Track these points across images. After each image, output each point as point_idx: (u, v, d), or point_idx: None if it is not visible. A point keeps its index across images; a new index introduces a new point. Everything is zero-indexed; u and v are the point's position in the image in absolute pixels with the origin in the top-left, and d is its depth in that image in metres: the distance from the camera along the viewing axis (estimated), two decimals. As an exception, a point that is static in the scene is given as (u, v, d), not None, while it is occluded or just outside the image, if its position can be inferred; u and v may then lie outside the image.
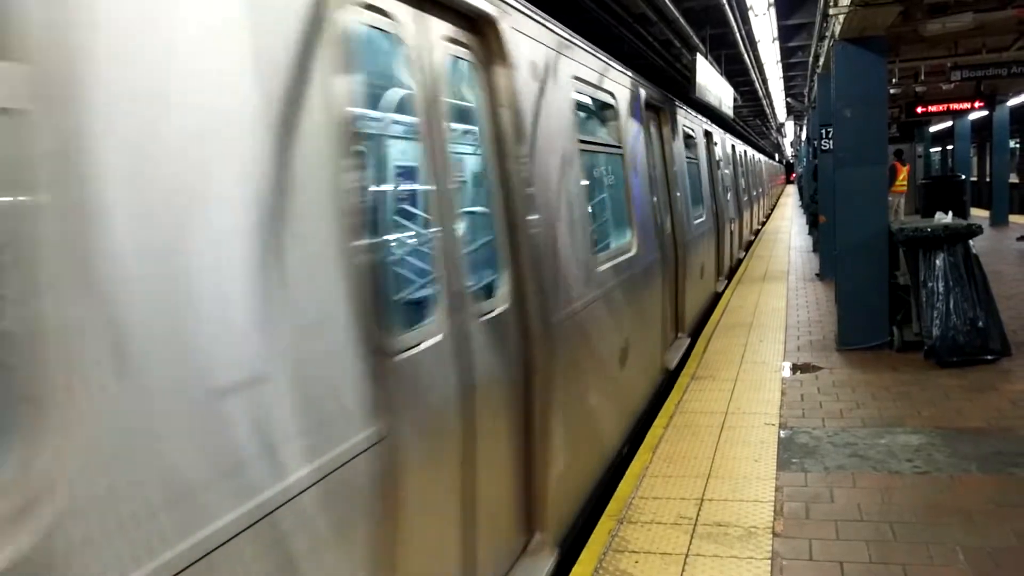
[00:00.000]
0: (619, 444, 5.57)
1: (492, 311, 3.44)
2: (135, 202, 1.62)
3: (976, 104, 18.12)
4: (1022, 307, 9.78)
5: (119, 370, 1.53)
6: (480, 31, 3.63)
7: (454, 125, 3.37)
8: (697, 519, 4.52)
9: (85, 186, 1.51)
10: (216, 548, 1.72)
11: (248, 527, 1.82)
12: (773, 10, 12.47)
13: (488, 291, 3.57)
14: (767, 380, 7.40)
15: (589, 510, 4.74)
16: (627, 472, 5.31)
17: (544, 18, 4.52)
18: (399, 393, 2.52)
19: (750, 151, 24.79)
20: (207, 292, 1.78)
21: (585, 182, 5.02)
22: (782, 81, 22.31)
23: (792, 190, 54.90)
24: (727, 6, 12.18)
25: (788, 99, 28.49)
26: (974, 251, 7.84)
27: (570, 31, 5.13)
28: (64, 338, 1.43)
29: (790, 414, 6.36)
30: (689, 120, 10.54)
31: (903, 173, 18.00)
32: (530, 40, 4.15)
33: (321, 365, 2.14)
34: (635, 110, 6.93)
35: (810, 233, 19.84)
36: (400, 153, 3.84)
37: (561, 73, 4.75)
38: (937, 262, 7.70)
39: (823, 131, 13.14)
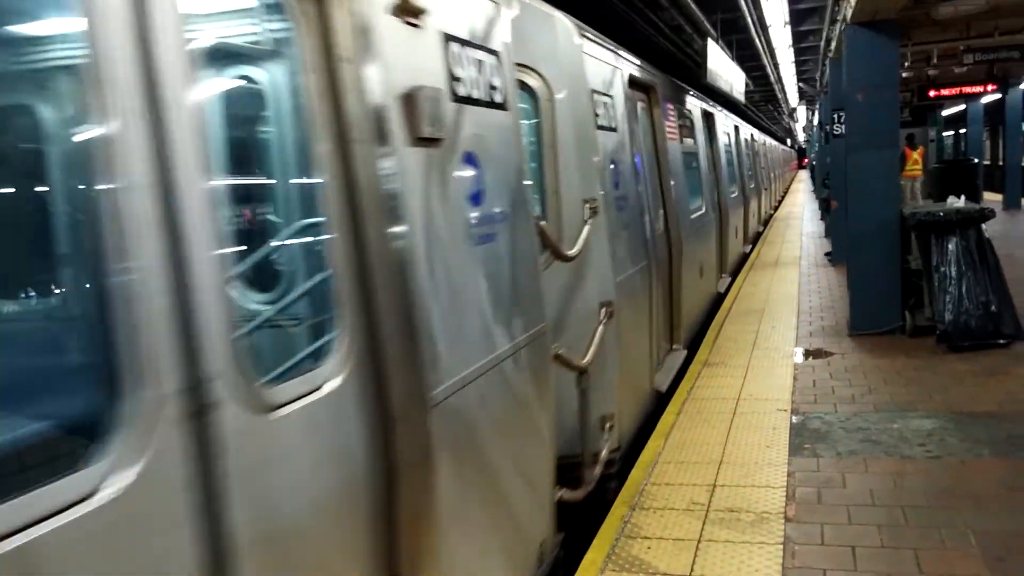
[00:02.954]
0: (701, 317, 9.18)
1: (659, 230, 6.75)
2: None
3: (989, 87, 17.97)
4: (1036, 291, 9.73)
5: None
6: (647, 91, 7.11)
7: (645, 147, 6.62)
8: (709, 505, 4.54)
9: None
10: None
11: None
12: (784, -6, 12.40)
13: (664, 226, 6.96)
14: (779, 366, 7.40)
15: (696, 335, 8.52)
16: (639, 459, 5.33)
17: (669, 76, 7.99)
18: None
19: (760, 137, 24.64)
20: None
21: (685, 173, 8.35)
22: (794, 66, 22.18)
23: (804, 175, 54.61)
24: (737, -10, 12.12)
25: (800, 84, 28.33)
26: (987, 235, 7.81)
27: (682, 83, 9.37)
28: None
29: (802, 400, 6.37)
30: (723, 117, 13.48)
31: (913, 157, 17.95)
32: (664, 91, 7.47)
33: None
34: (706, 122, 10.69)
35: (822, 219, 19.76)
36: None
37: (673, 106, 8.03)
38: (949, 246, 7.67)
39: (835, 116, 13.08)
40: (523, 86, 4.66)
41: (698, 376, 7.23)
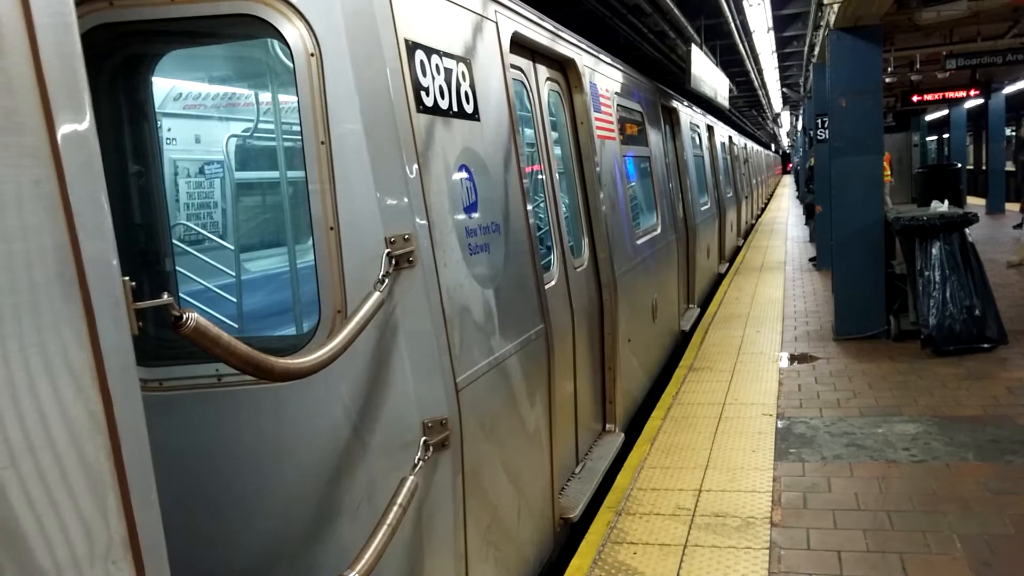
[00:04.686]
0: (655, 372, 7.29)
1: (581, 266, 5.04)
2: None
3: (971, 92, 18.11)
4: (1018, 295, 9.80)
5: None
6: (563, 68, 5.16)
7: (554, 136, 4.73)
8: (695, 510, 4.53)
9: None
10: None
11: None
12: (767, 0, 12.45)
13: (575, 252, 5.03)
14: (764, 371, 7.41)
15: (639, 410, 6.43)
16: (625, 464, 5.32)
17: (599, 51, 6.06)
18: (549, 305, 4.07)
19: (741, 140, 24.68)
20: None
21: (629, 183, 6.63)
22: (777, 71, 22.27)
23: (789, 180, 54.88)
24: (721, -4, 12.15)
25: (784, 89, 28.48)
26: (970, 239, 7.85)
27: (616, 58, 6.86)
28: None
29: (788, 404, 6.37)
30: (692, 113, 11.73)
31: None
32: (591, 71, 5.66)
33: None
34: (667, 118, 8.82)
35: (807, 223, 19.84)
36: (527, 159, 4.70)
37: (611, 92, 6.27)
38: (933, 251, 7.70)
39: (819, 121, 13.14)
40: (262, 28, 2.76)
41: (684, 381, 7.22)
